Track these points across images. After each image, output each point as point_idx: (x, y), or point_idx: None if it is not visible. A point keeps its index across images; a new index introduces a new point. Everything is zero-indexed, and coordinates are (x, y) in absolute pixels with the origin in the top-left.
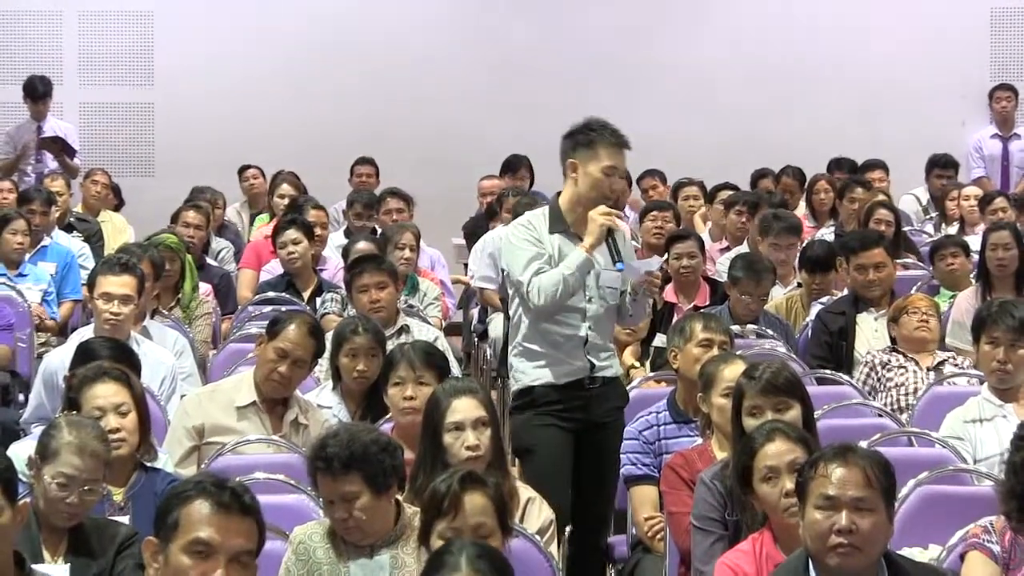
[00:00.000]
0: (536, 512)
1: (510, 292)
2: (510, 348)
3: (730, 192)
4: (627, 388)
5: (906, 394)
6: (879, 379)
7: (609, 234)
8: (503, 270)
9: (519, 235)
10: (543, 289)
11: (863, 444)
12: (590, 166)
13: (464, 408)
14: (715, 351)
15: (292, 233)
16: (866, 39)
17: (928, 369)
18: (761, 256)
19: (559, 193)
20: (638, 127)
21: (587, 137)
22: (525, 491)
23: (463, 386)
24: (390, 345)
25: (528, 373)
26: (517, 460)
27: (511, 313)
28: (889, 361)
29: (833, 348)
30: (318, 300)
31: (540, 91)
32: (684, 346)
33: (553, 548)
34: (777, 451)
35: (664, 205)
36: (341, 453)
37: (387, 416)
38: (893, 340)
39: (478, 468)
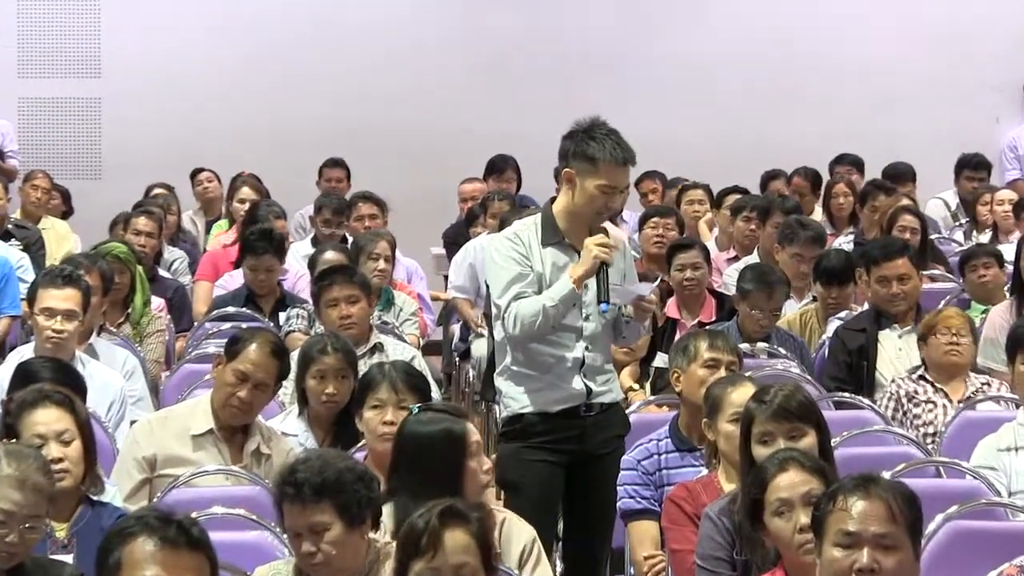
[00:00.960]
0: (516, 532)
1: (494, 310)
2: (497, 370)
3: (738, 196)
4: (628, 411)
5: (934, 432)
6: (904, 413)
7: (601, 267)
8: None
9: (503, 250)
10: (520, 318)
11: (886, 475)
12: (587, 181)
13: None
14: (722, 372)
15: (268, 260)
16: (884, 27)
17: (959, 402)
18: (773, 267)
19: (552, 199)
20: (635, 126)
21: (587, 149)
22: (499, 513)
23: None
24: (362, 366)
25: (517, 399)
26: (502, 492)
27: (497, 332)
28: (916, 393)
29: (853, 369)
30: (281, 316)
31: (528, 88)
32: (687, 367)
33: (541, 571)
34: (791, 482)
35: (666, 211)
36: (312, 479)
37: (359, 444)
38: (924, 360)
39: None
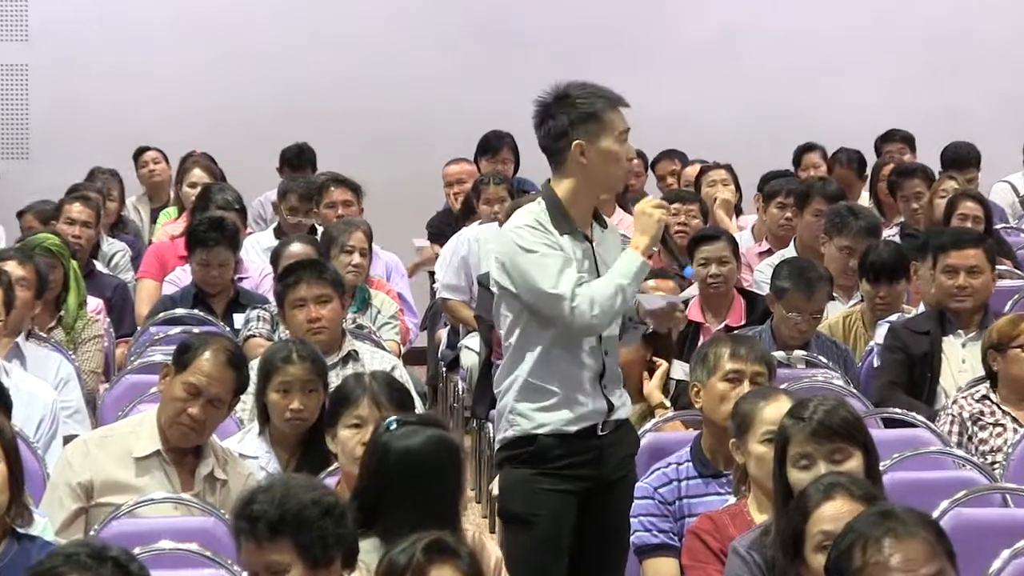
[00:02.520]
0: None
1: (506, 314)
2: (504, 384)
3: (776, 179)
4: (640, 431)
5: (1005, 459)
6: (969, 438)
7: (665, 232)
8: (481, 284)
9: (534, 238)
10: (599, 302)
11: (944, 503)
12: (601, 141)
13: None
14: (745, 386)
15: (220, 253)
16: None
17: None
18: (813, 261)
19: (548, 184)
20: (648, 102)
21: (582, 108)
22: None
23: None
24: (333, 377)
25: (531, 417)
26: (499, 524)
27: (511, 340)
28: (982, 415)
29: (915, 380)
30: (236, 318)
31: (526, 60)
32: (708, 380)
33: None
34: (836, 513)
35: (689, 196)
36: (270, 513)
37: (330, 468)
38: (992, 376)
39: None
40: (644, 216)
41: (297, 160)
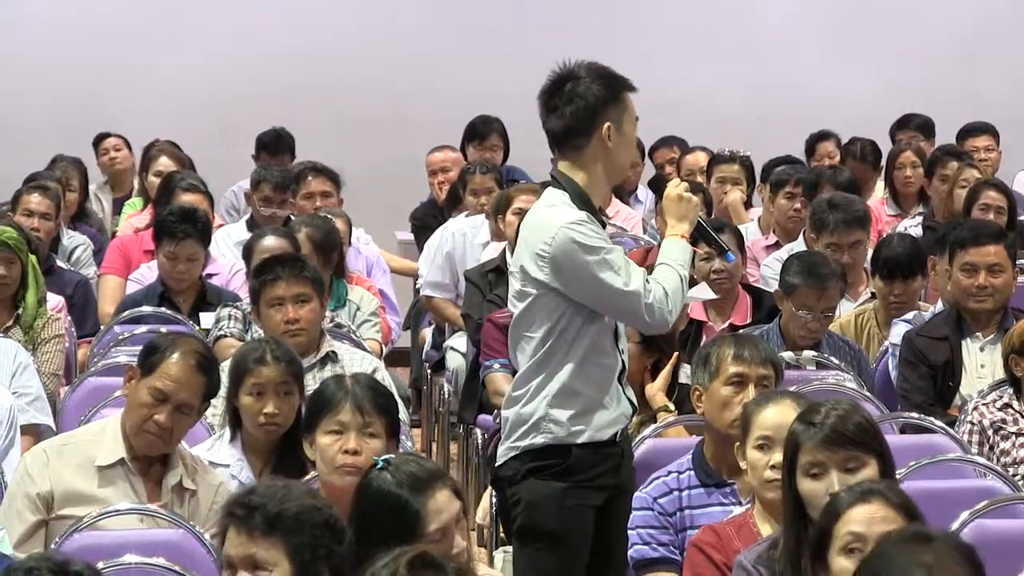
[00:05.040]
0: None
1: (543, 314)
2: (534, 388)
3: (783, 167)
4: (640, 436)
5: None
6: (990, 447)
7: (700, 217)
8: (469, 280)
9: (594, 234)
10: (671, 294)
11: (965, 514)
12: (625, 124)
13: None
14: (750, 392)
15: (190, 247)
16: None
17: None
18: (825, 256)
19: (562, 172)
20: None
21: (611, 88)
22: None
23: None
24: (310, 380)
25: (564, 425)
26: (516, 540)
27: (547, 342)
28: (1004, 424)
29: (937, 389)
30: (204, 316)
31: (518, 37)
32: (710, 383)
33: None
34: (870, 516)
35: (692, 187)
36: (269, 507)
37: (308, 477)
38: (1015, 382)
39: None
40: (681, 201)
41: (275, 146)
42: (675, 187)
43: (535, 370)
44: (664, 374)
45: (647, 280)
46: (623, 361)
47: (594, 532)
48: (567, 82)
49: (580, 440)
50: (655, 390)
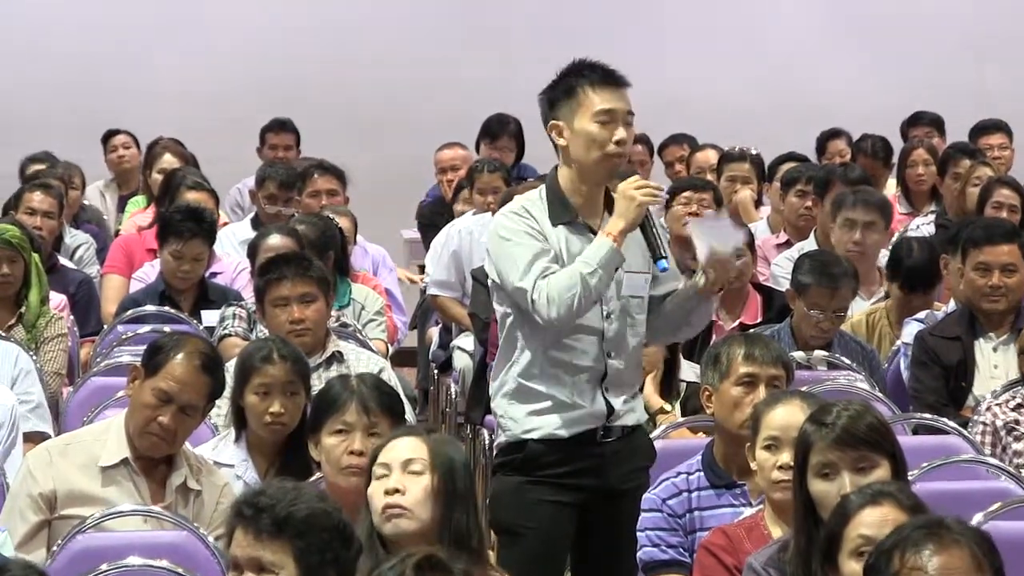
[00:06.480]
0: None
1: (498, 309)
2: (495, 385)
3: (794, 164)
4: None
5: None
6: (1003, 448)
7: (646, 218)
8: (476, 278)
9: (513, 226)
10: (555, 296)
11: (979, 516)
12: (578, 121)
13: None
14: (761, 392)
15: (196, 246)
16: None
17: None
18: (837, 255)
19: (555, 170)
20: (658, 78)
21: (561, 84)
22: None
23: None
24: (315, 380)
25: (520, 421)
26: (495, 538)
27: (502, 337)
28: (1017, 424)
29: (949, 388)
30: (206, 315)
31: (527, 32)
32: (719, 383)
33: None
34: (882, 519)
35: (701, 184)
36: (278, 508)
37: (314, 478)
38: None
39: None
40: (625, 198)
41: (280, 126)
42: (628, 183)
43: (498, 366)
44: (651, 379)
45: (543, 277)
46: (607, 365)
47: (583, 535)
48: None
49: (534, 436)
50: (648, 395)
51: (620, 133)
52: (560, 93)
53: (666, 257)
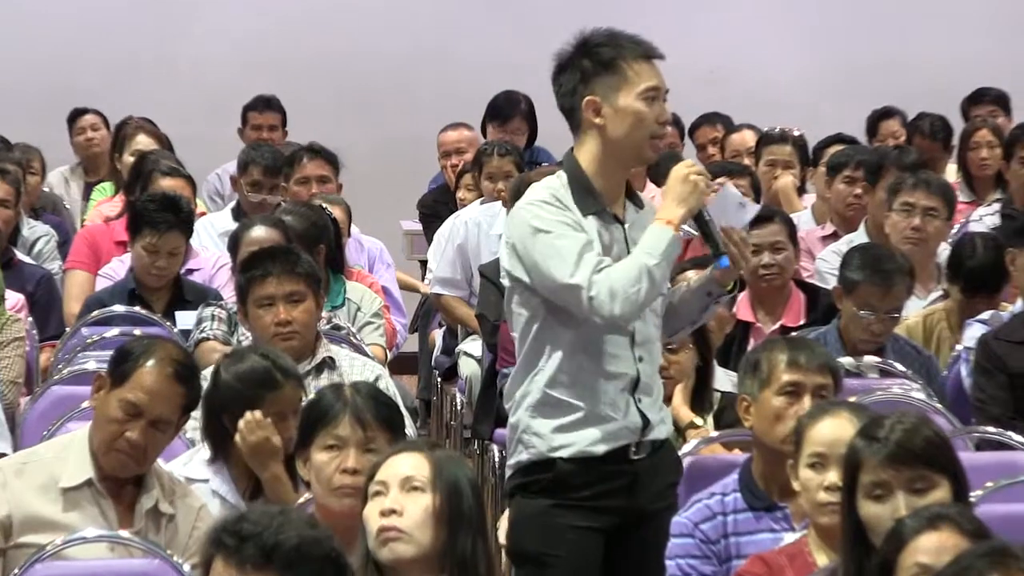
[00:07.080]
0: None
1: (519, 311)
2: (516, 396)
3: (841, 147)
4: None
5: None
6: None
7: (702, 212)
8: (485, 276)
9: (549, 216)
10: (619, 291)
11: None
12: (620, 98)
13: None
14: (805, 403)
15: (173, 239)
16: None
17: None
18: (890, 249)
19: (571, 153)
20: (688, 52)
21: (601, 56)
22: None
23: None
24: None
25: (546, 437)
26: (513, 567)
27: (525, 343)
28: None
29: (1017, 399)
30: (180, 316)
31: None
32: (760, 393)
33: None
34: (940, 545)
35: (735, 168)
36: (265, 536)
37: (301, 500)
38: None
39: None
40: (682, 183)
41: (265, 104)
42: (685, 166)
43: (519, 375)
44: (681, 388)
45: (599, 271)
46: (638, 370)
47: (616, 563)
48: (566, 53)
49: (564, 454)
50: (675, 405)
51: (665, 113)
52: (597, 66)
53: (723, 253)
